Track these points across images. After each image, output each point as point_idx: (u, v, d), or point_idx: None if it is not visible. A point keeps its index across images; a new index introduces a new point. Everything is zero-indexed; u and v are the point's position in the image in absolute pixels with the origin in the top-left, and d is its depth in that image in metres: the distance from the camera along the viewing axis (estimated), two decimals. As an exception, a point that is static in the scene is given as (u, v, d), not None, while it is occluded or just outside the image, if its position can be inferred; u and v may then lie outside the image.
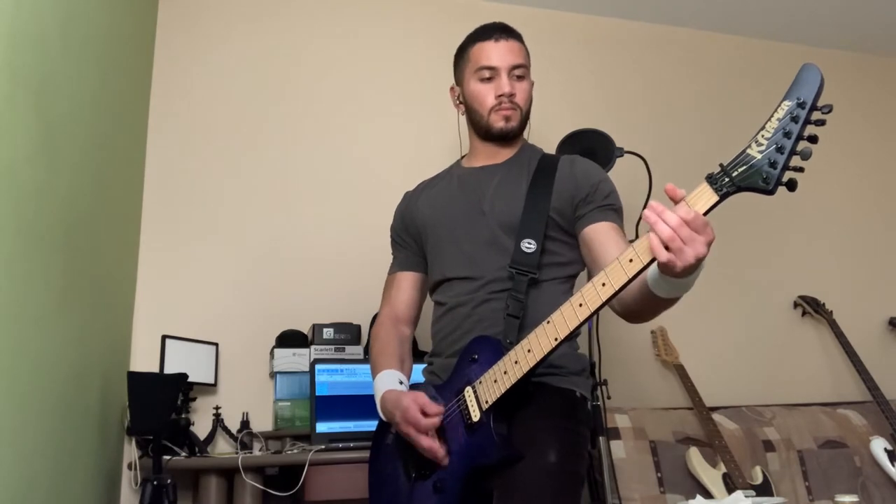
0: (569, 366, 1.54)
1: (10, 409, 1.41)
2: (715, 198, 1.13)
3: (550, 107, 3.01)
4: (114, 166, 2.19)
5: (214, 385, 2.39)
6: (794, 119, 1.07)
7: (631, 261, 1.19)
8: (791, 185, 1.09)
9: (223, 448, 2.37)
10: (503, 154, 1.70)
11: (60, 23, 1.66)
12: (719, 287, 3.05)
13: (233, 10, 2.79)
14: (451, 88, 1.77)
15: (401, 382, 1.57)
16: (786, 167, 1.08)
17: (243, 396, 2.43)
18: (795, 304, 3.14)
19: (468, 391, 1.41)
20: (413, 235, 1.76)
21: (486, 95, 1.64)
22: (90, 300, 1.94)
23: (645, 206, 2.46)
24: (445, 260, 1.65)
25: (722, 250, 3.13)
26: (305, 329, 2.47)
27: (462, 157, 1.81)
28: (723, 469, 2.33)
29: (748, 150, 1.11)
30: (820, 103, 1.09)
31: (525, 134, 1.74)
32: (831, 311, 3.07)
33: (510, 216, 1.57)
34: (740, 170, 1.11)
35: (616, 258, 1.21)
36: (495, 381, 1.36)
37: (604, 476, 2.21)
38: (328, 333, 2.40)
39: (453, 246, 1.64)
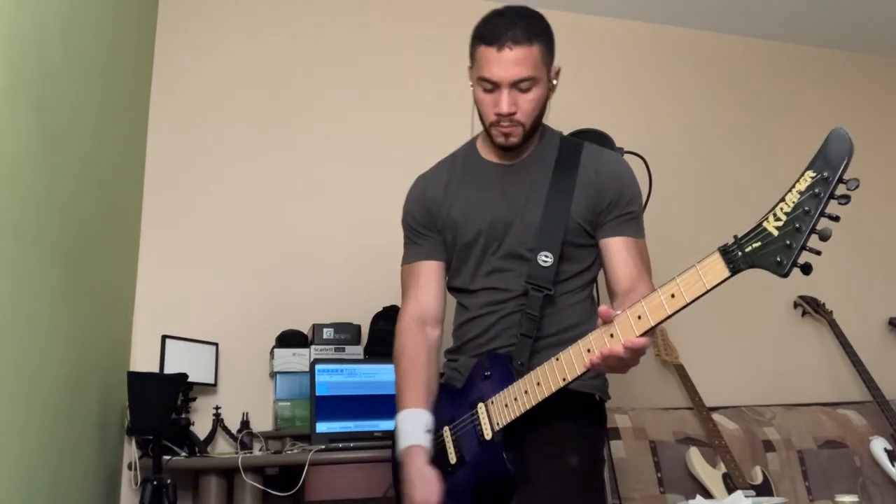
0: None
1: (11, 410, 1.41)
2: (726, 273, 1.11)
3: (551, 106, 3.00)
4: (114, 166, 2.19)
5: (214, 385, 2.39)
6: (816, 195, 1.01)
7: (639, 317, 1.19)
8: (806, 269, 1.04)
9: (223, 448, 2.37)
10: (521, 149, 1.59)
11: (60, 23, 1.66)
12: (719, 287, 3.04)
13: (232, 9, 2.79)
14: (469, 68, 1.59)
15: (427, 431, 1.49)
16: (803, 248, 1.03)
17: (243, 396, 2.43)
18: (795, 304, 3.14)
19: (481, 408, 1.43)
20: (441, 229, 1.64)
21: (486, 107, 1.52)
22: (90, 300, 1.94)
23: (645, 206, 2.47)
24: (473, 269, 1.60)
25: (722, 250, 3.13)
26: (305, 329, 2.47)
27: (476, 138, 1.70)
28: (723, 469, 2.33)
29: (765, 224, 1.07)
30: (846, 176, 1.02)
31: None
32: (831, 311, 3.07)
33: (533, 226, 1.53)
34: (755, 245, 1.07)
35: (626, 312, 1.21)
36: (506, 406, 1.37)
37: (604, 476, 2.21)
38: (328, 333, 2.40)
39: (484, 256, 1.58)
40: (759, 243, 1.06)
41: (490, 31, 1.48)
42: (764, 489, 2.31)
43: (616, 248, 1.53)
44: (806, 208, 1.02)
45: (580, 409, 1.49)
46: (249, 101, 2.72)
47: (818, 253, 1.03)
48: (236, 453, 2.15)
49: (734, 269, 1.10)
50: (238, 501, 2.06)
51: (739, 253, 1.08)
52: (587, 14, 3.23)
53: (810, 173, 1.03)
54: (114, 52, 2.16)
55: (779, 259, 1.04)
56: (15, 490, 1.43)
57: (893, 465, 2.56)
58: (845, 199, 1.01)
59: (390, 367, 2.28)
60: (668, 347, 2.83)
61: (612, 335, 1.21)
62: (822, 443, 2.63)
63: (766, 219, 1.06)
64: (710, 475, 2.32)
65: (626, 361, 1.21)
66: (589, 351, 1.24)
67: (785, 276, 1.04)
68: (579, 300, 1.57)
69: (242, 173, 2.66)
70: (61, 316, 1.70)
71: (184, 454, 2.10)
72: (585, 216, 1.53)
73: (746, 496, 1.97)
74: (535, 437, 1.41)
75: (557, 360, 1.29)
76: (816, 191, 1.01)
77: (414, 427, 1.49)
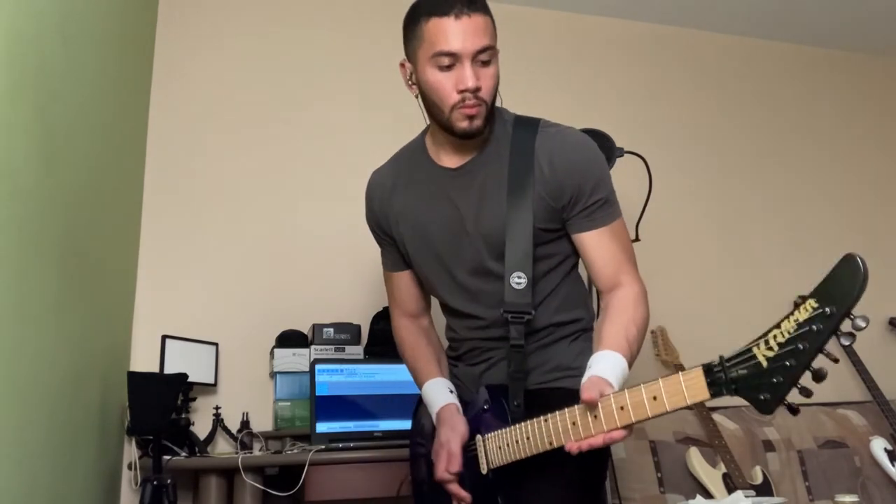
0: (585, 366, 1.46)
1: (11, 410, 1.41)
2: (706, 395, 1.01)
3: (550, 107, 3.00)
4: (114, 166, 2.19)
5: (214, 385, 2.39)
6: (817, 332, 0.90)
7: (622, 408, 1.14)
8: (792, 410, 0.94)
9: (223, 448, 2.37)
10: (472, 143, 1.45)
11: (60, 23, 1.65)
12: (719, 287, 3.05)
13: (232, 9, 2.79)
14: (402, 65, 1.45)
15: (451, 391, 1.52)
16: (792, 386, 0.92)
17: (243, 396, 2.43)
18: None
19: (479, 440, 1.41)
20: (392, 238, 1.59)
21: (445, 88, 1.34)
22: (90, 300, 1.94)
23: (645, 206, 2.47)
24: (442, 287, 1.53)
25: (722, 250, 3.13)
26: (305, 329, 2.47)
27: (424, 134, 1.56)
28: (723, 469, 2.33)
29: (755, 351, 0.95)
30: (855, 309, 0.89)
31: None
32: (831, 311, 3.07)
33: (496, 239, 1.42)
34: (741, 373, 0.97)
35: (611, 399, 1.15)
36: (499, 448, 1.36)
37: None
38: (328, 333, 2.40)
39: (446, 273, 1.50)
40: (745, 371, 0.96)
41: (440, 2, 1.34)
42: (764, 489, 2.31)
43: (590, 244, 1.42)
44: (801, 345, 0.90)
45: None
46: (249, 101, 2.72)
47: (808, 394, 0.92)
48: (236, 453, 2.15)
49: (715, 393, 1.00)
50: (238, 501, 2.06)
51: (724, 376, 0.98)
52: (587, 14, 3.24)
53: (813, 303, 0.90)
54: (114, 52, 2.16)
55: (763, 396, 0.93)
56: (15, 490, 1.43)
57: (893, 465, 2.56)
58: (850, 337, 0.89)
59: (390, 367, 2.31)
60: (667, 348, 2.83)
61: (595, 416, 1.16)
62: (822, 443, 2.63)
63: (758, 344, 0.95)
64: (710, 475, 2.32)
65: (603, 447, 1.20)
66: (574, 424, 1.20)
67: (768, 414, 0.96)
68: (565, 294, 1.50)
69: (243, 173, 2.66)
70: (61, 316, 1.70)
71: (184, 454, 2.10)
72: (548, 217, 1.42)
73: (746, 496, 1.97)
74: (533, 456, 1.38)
75: (546, 420, 1.26)
76: (816, 327, 0.89)
77: (438, 395, 1.51)
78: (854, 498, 1.85)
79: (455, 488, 1.40)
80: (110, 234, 2.17)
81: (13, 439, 1.42)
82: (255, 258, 2.60)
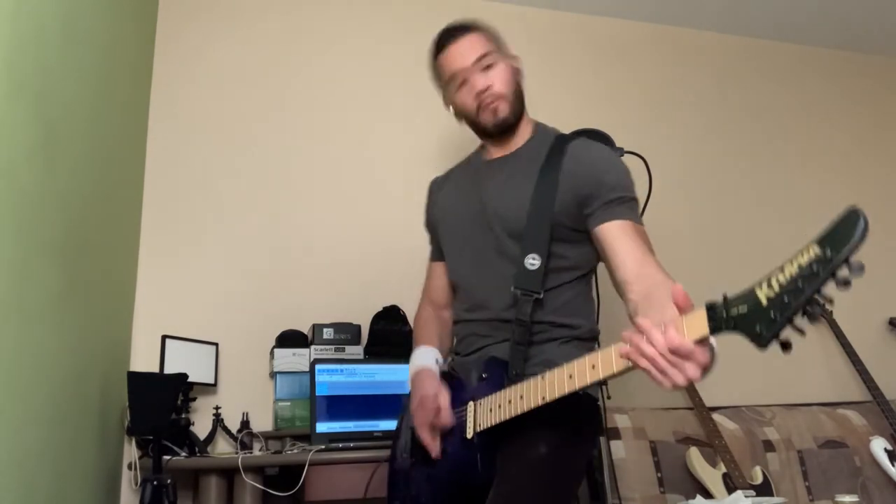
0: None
1: (10, 410, 1.41)
2: (705, 331, 1.06)
3: (551, 107, 3.00)
4: (114, 166, 2.19)
5: (214, 385, 2.39)
6: (814, 274, 0.93)
7: (592, 367, 1.18)
8: (785, 346, 0.98)
9: (223, 448, 2.37)
10: (513, 143, 1.64)
11: (60, 23, 1.66)
12: (718, 287, 3.04)
13: (232, 9, 2.79)
14: (447, 106, 1.73)
15: (437, 361, 1.63)
16: (787, 324, 0.96)
17: (243, 396, 2.43)
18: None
19: (471, 406, 1.46)
20: (436, 228, 1.78)
21: (467, 102, 1.60)
22: (90, 300, 1.94)
23: (645, 206, 2.47)
24: (458, 264, 1.67)
25: (720, 250, 3.13)
26: (305, 329, 2.47)
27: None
28: (723, 469, 2.33)
29: (756, 291, 1.00)
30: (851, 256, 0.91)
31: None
32: (831, 311, 3.07)
33: (516, 222, 1.53)
34: (741, 310, 1.01)
35: (609, 352, 1.17)
36: (490, 410, 1.41)
37: (604, 476, 2.21)
38: (328, 333, 2.40)
39: (464, 251, 1.64)
40: (745, 309, 1.00)
41: (436, 45, 1.66)
42: (764, 489, 2.31)
43: (612, 234, 1.46)
44: (800, 284, 0.94)
45: (559, 404, 1.49)
46: (249, 101, 2.72)
47: (802, 333, 0.96)
48: (236, 453, 2.15)
49: (714, 328, 1.05)
50: (238, 501, 2.06)
51: (725, 314, 1.03)
52: (587, 14, 3.24)
53: (815, 248, 0.94)
54: (114, 52, 2.16)
55: (759, 330, 0.98)
56: (15, 490, 1.43)
57: (893, 465, 2.56)
58: (845, 283, 0.92)
59: (390, 367, 2.31)
60: (668, 347, 2.82)
61: (594, 366, 1.19)
62: (822, 443, 2.63)
63: (760, 285, 0.99)
64: (710, 475, 2.32)
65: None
66: (571, 377, 1.24)
67: (763, 347, 0.99)
68: (568, 299, 1.55)
69: (243, 173, 2.66)
70: (61, 316, 1.70)
71: (184, 454, 2.10)
72: (568, 212, 1.51)
73: (746, 496, 1.97)
74: (511, 434, 1.42)
75: (543, 378, 1.29)
76: (815, 269, 0.93)
77: (423, 358, 1.63)
78: (854, 498, 1.86)
79: (428, 437, 1.48)
80: (110, 233, 2.17)
81: (13, 439, 1.42)
82: (255, 258, 2.60)
